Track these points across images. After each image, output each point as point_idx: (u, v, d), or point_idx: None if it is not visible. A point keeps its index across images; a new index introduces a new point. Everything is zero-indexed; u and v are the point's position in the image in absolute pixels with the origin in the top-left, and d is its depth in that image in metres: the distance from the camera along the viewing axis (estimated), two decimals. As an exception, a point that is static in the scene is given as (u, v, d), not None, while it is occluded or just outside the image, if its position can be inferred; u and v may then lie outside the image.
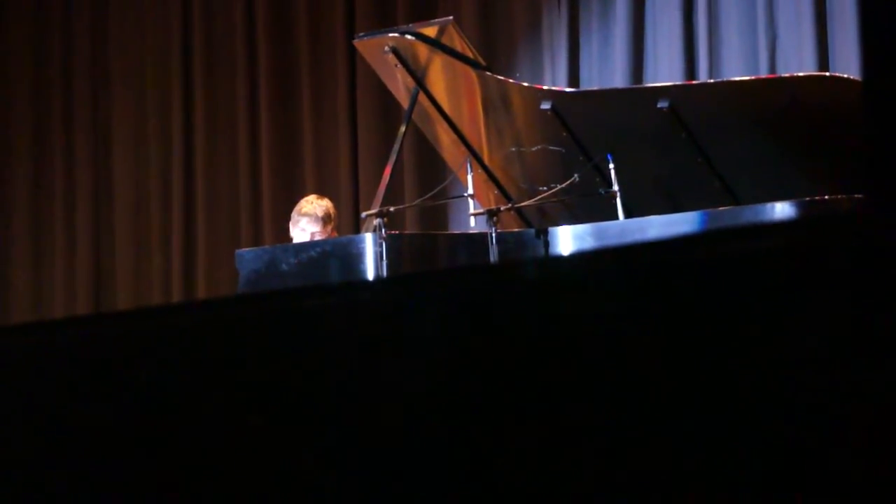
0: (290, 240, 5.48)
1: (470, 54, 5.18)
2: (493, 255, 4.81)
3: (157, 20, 8.24)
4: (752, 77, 6.08)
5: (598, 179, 5.12)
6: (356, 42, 5.45)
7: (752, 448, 1.12)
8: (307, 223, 5.46)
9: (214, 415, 1.35)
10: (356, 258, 4.75)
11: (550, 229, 4.92)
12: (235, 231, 7.85)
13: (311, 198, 5.62)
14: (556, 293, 1.22)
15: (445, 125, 5.33)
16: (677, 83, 6.07)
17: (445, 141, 5.47)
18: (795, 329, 1.12)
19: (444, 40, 5.12)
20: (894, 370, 1.06)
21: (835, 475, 1.10)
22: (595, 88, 6.64)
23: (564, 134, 5.16)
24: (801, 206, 4.55)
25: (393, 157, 5.07)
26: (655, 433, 1.16)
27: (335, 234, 5.51)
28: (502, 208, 5.08)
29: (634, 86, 6.66)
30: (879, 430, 1.07)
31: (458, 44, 5.15)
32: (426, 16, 6.79)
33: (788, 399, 1.12)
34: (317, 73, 7.80)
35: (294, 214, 5.54)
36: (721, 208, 4.84)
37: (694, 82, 6.36)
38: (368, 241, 4.74)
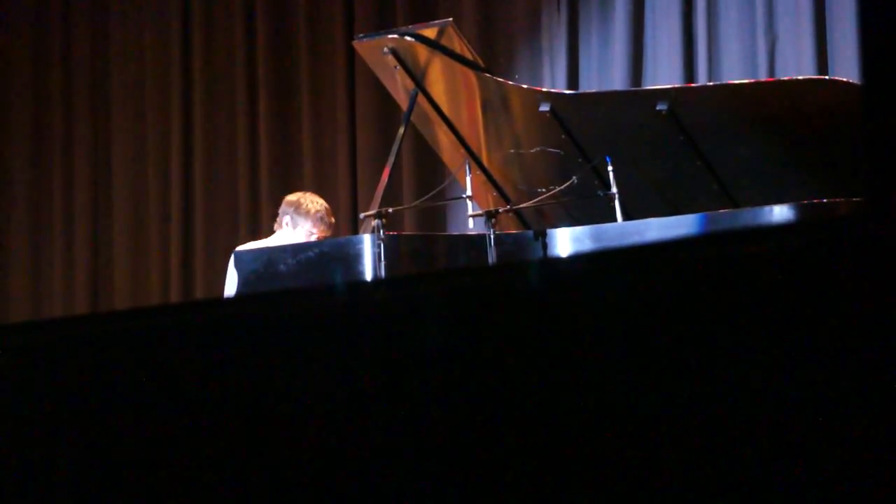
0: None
1: (469, 56, 5.18)
2: (492, 257, 4.81)
3: (157, 20, 8.24)
4: (751, 80, 6.08)
5: (596, 181, 5.12)
6: (355, 43, 5.45)
7: (752, 446, 1.12)
8: (318, 222, 5.44)
9: (214, 414, 1.35)
10: (354, 259, 4.75)
11: (549, 231, 4.92)
12: (234, 231, 7.85)
13: (316, 197, 5.58)
14: (555, 294, 1.22)
15: (444, 127, 5.33)
16: (676, 86, 6.07)
17: (444, 142, 5.47)
18: (795, 329, 1.12)
19: (444, 42, 5.12)
20: (894, 368, 1.06)
21: (834, 473, 1.10)
22: (594, 91, 6.64)
23: (563, 136, 5.16)
24: (800, 209, 4.55)
25: (392, 159, 5.06)
26: (655, 430, 1.16)
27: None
28: (501, 210, 5.08)
29: (633, 88, 6.66)
30: (880, 428, 1.07)
31: (458, 45, 5.15)
32: (426, 17, 6.79)
33: (789, 398, 1.12)
34: (316, 74, 7.80)
35: (295, 213, 5.48)
36: (719, 211, 4.84)
37: (693, 85, 6.36)
38: (367, 242, 4.74)
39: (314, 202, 5.50)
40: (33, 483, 1.42)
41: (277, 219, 5.54)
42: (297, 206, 5.49)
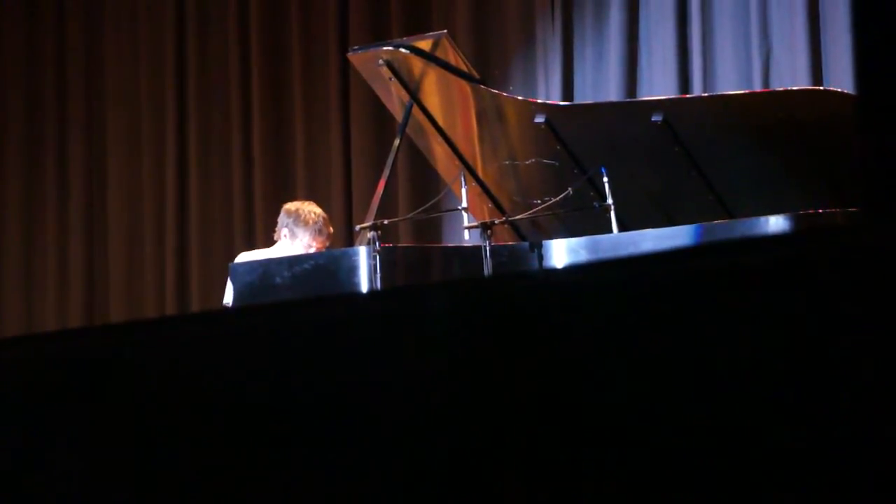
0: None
1: (464, 67, 5.18)
2: (487, 269, 4.80)
3: (151, 32, 8.24)
4: (746, 91, 6.08)
5: (592, 193, 5.12)
6: (350, 55, 5.45)
7: (757, 455, 1.12)
8: (316, 234, 5.44)
9: (213, 426, 1.34)
10: (350, 271, 4.74)
11: (544, 243, 4.92)
12: (229, 242, 7.84)
13: (314, 206, 5.57)
14: (550, 305, 1.22)
15: (439, 138, 5.33)
16: (671, 97, 6.07)
17: (439, 154, 5.47)
18: (792, 340, 1.12)
19: (439, 54, 5.12)
20: (892, 377, 1.06)
21: (835, 482, 1.09)
22: (589, 102, 6.64)
23: (558, 147, 5.17)
24: (796, 220, 4.55)
25: (387, 171, 5.06)
26: (658, 439, 1.15)
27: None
28: (496, 221, 5.08)
29: (628, 99, 6.66)
30: (881, 432, 1.07)
31: (453, 57, 5.15)
32: (420, 29, 6.80)
33: (788, 407, 1.11)
34: (310, 86, 7.80)
35: (294, 224, 5.47)
36: (715, 222, 4.84)
37: (688, 96, 6.36)
38: (362, 253, 4.74)
39: (312, 213, 5.48)
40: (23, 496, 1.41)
41: (277, 228, 5.54)
42: (295, 217, 5.48)
